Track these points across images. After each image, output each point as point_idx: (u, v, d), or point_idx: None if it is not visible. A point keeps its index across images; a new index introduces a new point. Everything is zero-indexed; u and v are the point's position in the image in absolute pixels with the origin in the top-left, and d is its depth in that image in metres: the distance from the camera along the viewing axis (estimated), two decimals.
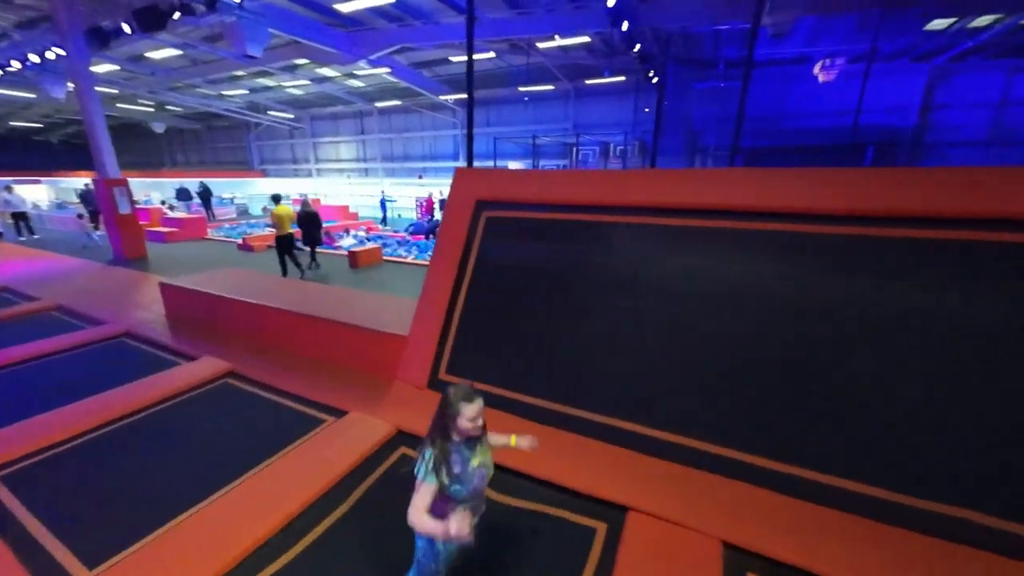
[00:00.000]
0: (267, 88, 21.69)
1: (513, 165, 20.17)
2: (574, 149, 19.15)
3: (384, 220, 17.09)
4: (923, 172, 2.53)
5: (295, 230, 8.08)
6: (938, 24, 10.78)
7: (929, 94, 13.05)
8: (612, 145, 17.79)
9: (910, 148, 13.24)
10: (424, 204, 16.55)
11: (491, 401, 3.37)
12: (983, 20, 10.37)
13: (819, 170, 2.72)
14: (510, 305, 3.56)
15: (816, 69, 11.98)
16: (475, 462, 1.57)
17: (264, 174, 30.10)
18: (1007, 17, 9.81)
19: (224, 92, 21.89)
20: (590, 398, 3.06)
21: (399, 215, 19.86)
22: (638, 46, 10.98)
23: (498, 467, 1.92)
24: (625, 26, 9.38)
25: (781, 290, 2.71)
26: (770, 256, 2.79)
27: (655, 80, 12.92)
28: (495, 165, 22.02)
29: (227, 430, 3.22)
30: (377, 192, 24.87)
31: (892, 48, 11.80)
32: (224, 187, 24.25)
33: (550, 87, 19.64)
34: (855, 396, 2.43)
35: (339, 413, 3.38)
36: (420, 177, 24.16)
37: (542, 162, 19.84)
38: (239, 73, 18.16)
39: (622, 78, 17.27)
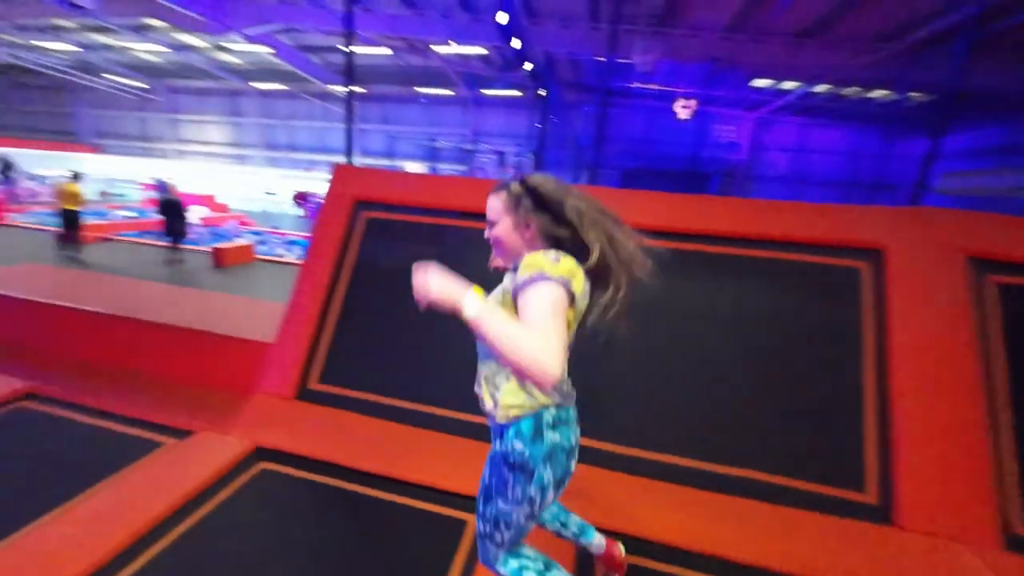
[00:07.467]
0: (107, 47, 18.02)
1: (411, 167, 19.74)
2: (472, 155, 19.42)
3: None
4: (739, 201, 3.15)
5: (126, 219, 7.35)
6: (759, 83, 13.49)
7: (755, 137, 16.58)
8: (508, 155, 18.47)
9: (741, 179, 16.65)
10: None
11: (367, 408, 3.21)
12: (790, 84, 13.19)
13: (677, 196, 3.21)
14: (391, 309, 3.50)
15: (676, 106, 14.01)
16: None
17: (100, 150, 24.85)
18: (802, 85, 12.68)
19: (40, 43, 17.61)
20: (463, 400, 3.16)
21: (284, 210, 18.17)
22: (530, 65, 11.61)
23: None
24: (517, 44, 9.86)
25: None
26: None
27: (545, 97, 13.84)
28: (392, 165, 21.32)
29: (22, 466, 2.61)
30: (253, 182, 22.33)
31: (730, 97, 14.40)
32: (39, 161, 19.52)
33: (449, 92, 19.67)
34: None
35: (182, 434, 2.96)
36: (307, 170, 22.28)
37: (440, 166, 19.77)
38: (64, 23, 14.80)
39: (518, 93, 18.05)
